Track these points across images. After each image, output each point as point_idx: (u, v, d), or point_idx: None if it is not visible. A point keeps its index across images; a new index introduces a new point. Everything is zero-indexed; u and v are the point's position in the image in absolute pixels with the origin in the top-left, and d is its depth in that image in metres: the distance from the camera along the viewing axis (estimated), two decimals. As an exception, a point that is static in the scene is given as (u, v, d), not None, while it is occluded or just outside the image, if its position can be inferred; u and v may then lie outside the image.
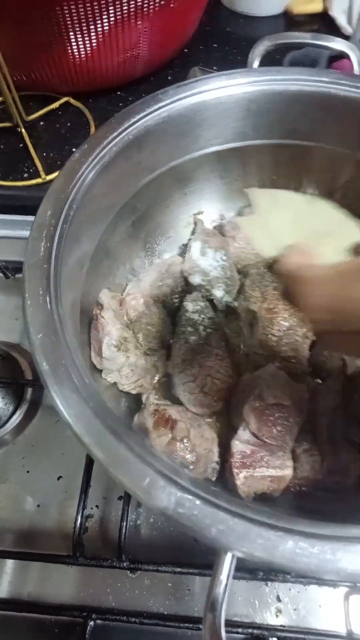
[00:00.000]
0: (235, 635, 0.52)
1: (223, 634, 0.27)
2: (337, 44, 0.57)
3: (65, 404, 0.33)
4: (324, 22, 1.10)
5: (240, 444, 0.49)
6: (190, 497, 0.29)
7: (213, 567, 0.30)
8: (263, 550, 0.27)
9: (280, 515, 0.29)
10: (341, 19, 1.06)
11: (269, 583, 0.54)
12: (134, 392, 0.55)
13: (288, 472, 0.48)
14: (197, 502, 0.29)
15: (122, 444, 0.31)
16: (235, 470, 0.48)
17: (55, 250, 0.40)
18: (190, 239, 0.65)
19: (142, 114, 0.48)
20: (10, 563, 0.57)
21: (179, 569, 0.53)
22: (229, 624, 0.52)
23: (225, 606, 0.28)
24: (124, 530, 0.53)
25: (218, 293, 0.60)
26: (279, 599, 0.54)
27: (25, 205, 0.80)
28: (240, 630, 0.51)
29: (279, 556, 0.27)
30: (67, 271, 0.42)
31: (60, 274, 0.40)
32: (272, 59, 0.95)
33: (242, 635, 0.52)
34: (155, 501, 0.29)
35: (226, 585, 0.29)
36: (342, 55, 0.61)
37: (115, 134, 0.46)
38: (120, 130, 0.47)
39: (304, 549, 0.27)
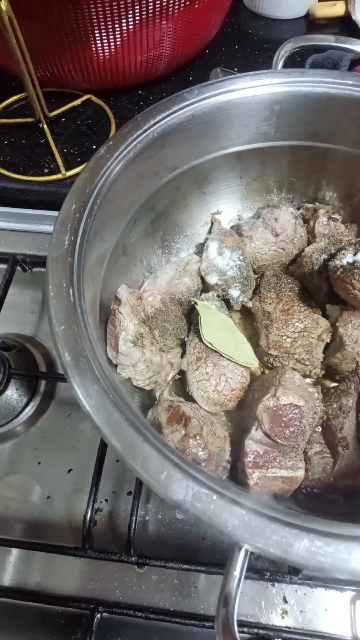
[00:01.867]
0: (241, 634, 0.51)
1: (236, 628, 0.27)
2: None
3: (86, 395, 0.33)
4: (346, 26, 1.10)
5: (254, 443, 0.49)
6: (207, 491, 0.29)
7: (227, 563, 0.31)
8: (278, 546, 0.27)
9: (295, 514, 0.30)
10: (364, 23, 1.06)
11: (276, 584, 0.54)
12: (148, 388, 0.56)
13: (300, 473, 0.48)
14: (214, 496, 0.29)
15: (140, 436, 0.32)
16: (248, 470, 0.48)
17: (79, 244, 0.41)
18: (207, 239, 0.65)
19: (167, 112, 0.48)
20: (18, 552, 0.58)
21: (186, 566, 0.53)
22: (235, 622, 0.52)
23: (238, 602, 0.29)
24: (133, 525, 0.53)
25: (234, 293, 0.61)
26: (285, 601, 0.54)
27: (45, 200, 0.81)
28: (246, 630, 0.51)
29: (294, 553, 0.27)
30: (89, 265, 0.43)
31: (83, 268, 0.40)
32: (293, 61, 0.96)
33: (247, 635, 0.52)
34: (173, 494, 0.29)
35: (239, 580, 0.29)
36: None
37: (141, 131, 0.47)
38: (145, 127, 0.47)
39: (319, 547, 0.27)
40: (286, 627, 0.52)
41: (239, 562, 0.30)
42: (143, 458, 0.31)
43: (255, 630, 0.51)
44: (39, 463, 0.64)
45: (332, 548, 0.27)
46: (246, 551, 0.30)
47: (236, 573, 0.29)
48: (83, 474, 0.62)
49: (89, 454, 0.62)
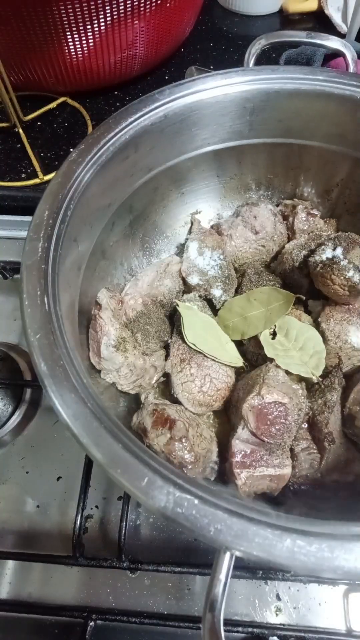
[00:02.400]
0: (236, 634, 0.52)
1: (222, 633, 0.27)
2: (332, 43, 0.57)
3: (64, 404, 0.33)
4: (319, 21, 1.10)
5: (241, 443, 0.49)
6: (188, 496, 0.29)
7: (212, 567, 0.30)
8: (261, 548, 0.27)
9: (278, 514, 0.30)
10: (336, 17, 1.06)
11: (269, 582, 0.54)
12: (132, 392, 0.55)
13: (287, 470, 0.48)
14: (196, 501, 0.29)
15: (120, 444, 0.31)
16: (236, 471, 0.48)
17: (53, 251, 0.40)
18: (187, 239, 0.65)
19: (139, 114, 0.48)
20: (10, 564, 0.57)
21: (178, 569, 0.53)
22: (229, 622, 0.52)
23: (224, 605, 0.28)
24: (123, 531, 0.53)
25: (216, 292, 0.60)
26: (278, 598, 0.54)
27: (23, 205, 0.80)
28: (240, 629, 0.51)
29: (276, 555, 0.27)
30: (65, 271, 0.42)
31: (57, 274, 0.40)
32: (268, 57, 0.96)
33: (242, 634, 0.52)
34: (154, 501, 0.29)
35: (225, 584, 0.29)
36: (337, 54, 0.61)
37: (112, 133, 0.46)
38: (117, 130, 0.47)
39: (302, 547, 0.27)
40: (280, 624, 0.52)
41: (224, 566, 0.30)
42: (123, 466, 0.30)
43: (250, 629, 0.51)
44: (27, 472, 0.63)
45: (315, 547, 0.27)
46: (231, 555, 0.30)
47: (222, 577, 0.29)
48: (72, 481, 0.62)
49: (78, 460, 0.61)
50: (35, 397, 0.69)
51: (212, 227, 0.68)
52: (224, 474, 0.50)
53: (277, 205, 0.69)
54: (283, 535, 0.28)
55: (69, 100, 0.92)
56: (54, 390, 0.33)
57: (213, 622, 0.27)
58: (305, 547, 0.27)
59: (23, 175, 0.82)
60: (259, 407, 0.49)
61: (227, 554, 0.30)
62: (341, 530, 0.28)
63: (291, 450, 0.51)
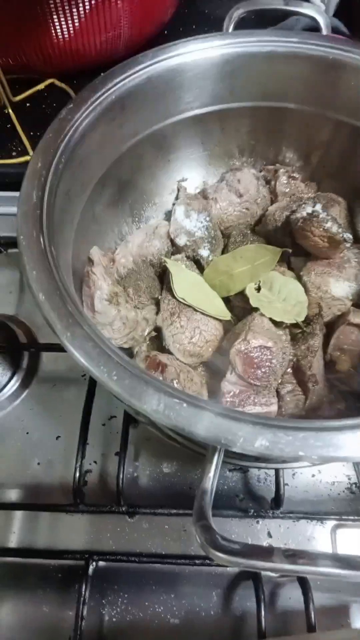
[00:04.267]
0: (230, 569, 0.55)
1: (210, 515, 0.30)
2: (307, 10, 0.60)
3: (62, 328, 0.35)
4: (300, 2, 1.13)
5: (229, 384, 0.51)
6: (177, 400, 0.32)
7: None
8: (244, 440, 0.30)
9: (259, 417, 0.32)
10: (315, -1, 1.09)
11: (260, 520, 0.57)
12: (126, 345, 0.58)
13: (274, 408, 0.51)
14: (184, 405, 0.32)
15: (113, 361, 0.34)
16: (225, 410, 0.50)
17: (47, 201, 0.43)
18: (174, 204, 0.68)
19: (123, 75, 0.51)
20: (15, 515, 0.60)
21: (174, 511, 0.56)
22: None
23: (213, 496, 0.31)
24: (121, 476, 0.56)
25: (204, 252, 0.63)
26: (270, 535, 0.57)
27: (16, 182, 0.82)
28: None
29: (258, 444, 0.30)
30: (58, 221, 0.44)
31: (52, 221, 0.42)
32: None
33: (236, 569, 0.55)
34: (147, 405, 0.32)
35: (213, 479, 0.32)
36: (315, 28, 0.64)
37: (99, 93, 0.49)
38: (103, 90, 0.49)
39: (280, 437, 0.30)
40: (272, 558, 0.55)
41: (213, 466, 0.32)
42: (119, 380, 0.33)
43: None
44: (27, 433, 0.66)
45: (292, 437, 0.30)
46: (218, 454, 0.32)
47: (210, 475, 0.32)
48: (71, 440, 0.64)
49: (75, 419, 0.64)
50: (32, 364, 0.72)
51: (198, 193, 0.71)
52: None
53: (260, 171, 0.72)
54: (263, 429, 0.31)
55: (57, 82, 0.95)
56: (52, 316, 0.35)
57: (202, 506, 0.30)
58: (284, 437, 0.30)
59: (14, 154, 0.85)
60: (246, 351, 0.52)
61: (215, 455, 0.32)
62: (314, 425, 0.31)
63: (277, 392, 0.54)
